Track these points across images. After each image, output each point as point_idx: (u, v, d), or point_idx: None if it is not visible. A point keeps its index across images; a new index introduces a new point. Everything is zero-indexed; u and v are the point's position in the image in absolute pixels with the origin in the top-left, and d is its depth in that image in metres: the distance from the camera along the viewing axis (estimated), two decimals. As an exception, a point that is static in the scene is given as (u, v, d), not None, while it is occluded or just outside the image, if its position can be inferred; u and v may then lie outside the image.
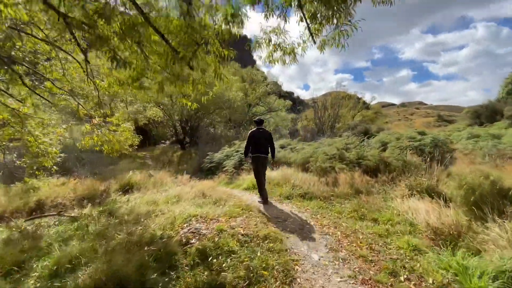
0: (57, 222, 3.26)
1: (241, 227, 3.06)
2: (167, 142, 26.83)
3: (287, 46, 3.44)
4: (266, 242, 2.77)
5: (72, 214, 3.49)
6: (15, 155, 6.94)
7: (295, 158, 7.73)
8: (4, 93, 5.16)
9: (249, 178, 7.10)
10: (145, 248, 2.41)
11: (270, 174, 6.83)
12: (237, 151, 9.77)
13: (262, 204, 4.73)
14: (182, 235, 2.73)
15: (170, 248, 2.43)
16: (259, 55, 3.59)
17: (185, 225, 3.03)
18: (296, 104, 48.57)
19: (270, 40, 3.37)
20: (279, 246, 2.71)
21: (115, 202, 4.11)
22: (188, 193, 4.66)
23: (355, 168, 6.32)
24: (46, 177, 6.69)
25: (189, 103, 5.16)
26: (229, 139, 14.76)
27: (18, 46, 4.52)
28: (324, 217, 4.05)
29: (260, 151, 4.88)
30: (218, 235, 2.77)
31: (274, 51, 3.43)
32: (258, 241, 2.76)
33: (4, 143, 6.40)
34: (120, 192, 4.85)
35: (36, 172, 5.99)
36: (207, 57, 2.96)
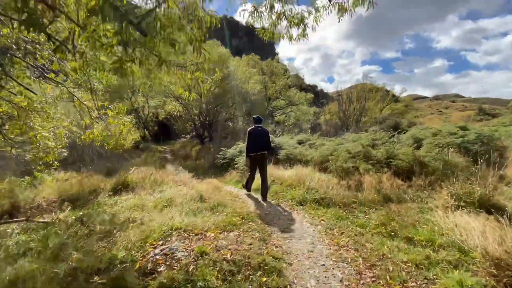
0: (22, 230, 2.83)
1: (230, 249, 2.38)
2: (188, 136, 26.87)
3: (295, 16, 2.64)
4: (259, 274, 2.07)
5: (43, 220, 3.06)
6: (26, 149, 6.87)
7: (313, 155, 6.88)
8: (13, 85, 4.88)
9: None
10: (95, 278, 1.82)
11: (283, 173, 6.08)
12: (251, 147, 9.11)
13: (255, 200, 4.89)
14: (151, 259, 2.12)
15: (125, 279, 1.82)
16: (260, 29, 2.82)
17: (160, 242, 2.43)
18: (319, 98, 46.79)
19: (272, 7, 2.59)
20: (275, 281, 1.99)
21: (99, 205, 3.65)
22: (185, 196, 4.08)
23: (383, 169, 5.35)
24: (51, 172, 6.52)
25: (187, 93, 4.57)
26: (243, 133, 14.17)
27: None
28: (343, 232, 3.24)
29: (258, 148, 5.01)
30: (196, 260, 2.13)
31: (278, 21, 2.64)
32: (248, 272, 2.06)
33: (12, 137, 6.29)
34: (111, 193, 4.40)
35: (39, 167, 5.77)
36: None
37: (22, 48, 4.52)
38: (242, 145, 9.68)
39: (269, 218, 3.77)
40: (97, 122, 5.53)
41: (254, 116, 5.32)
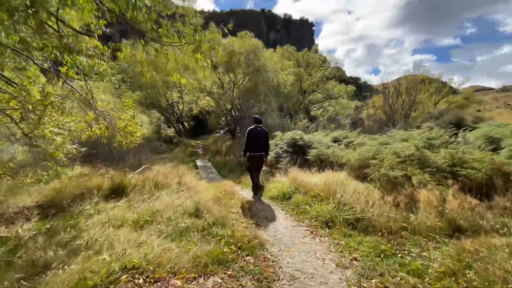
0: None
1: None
2: (221, 131, 26.78)
3: None
4: None
5: (1, 234, 2.53)
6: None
7: (349, 157, 5.61)
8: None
9: (283, 182, 5.38)
10: None
11: (310, 179, 4.97)
12: (277, 145, 8.05)
13: (256, 201, 4.72)
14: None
15: None
16: None
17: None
18: (362, 90, 43.23)
19: None
20: None
21: (75, 215, 3.04)
22: (178, 207, 3.29)
23: (446, 181, 3.93)
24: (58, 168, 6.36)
25: (183, 80, 3.77)
26: (276, 130, 13.05)
27: None
28: (387, 286, 2.10)
29: (257, 149, 4.88)
30: None
31: None
32: None
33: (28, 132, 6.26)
34: (100, 198, 3.81)
35: (49, 164, 5.56)
36: None
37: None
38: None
39: (278, 247, 2.76)
40: (102, 117, 5.08)
41: (255, 116, 5.17)
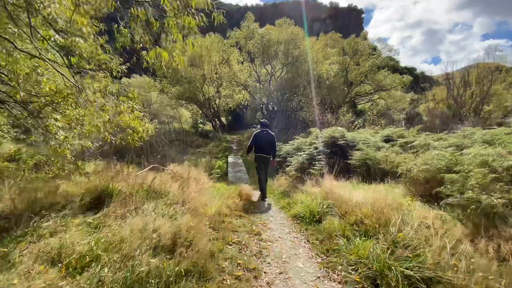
0: None
1: None
2: (258, 126, 25.91)
3: None
4: None
5: None
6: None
7: (408, 166, 4.06)
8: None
9: (314, 194, 4.11)
10: None
11: (350, 194, 3.61)
12: (311, 144, 6.71)
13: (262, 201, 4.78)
14: None
15: None
16: None
17: None
18: (419, 82, 37.99)
19: None
20: None
21: (12, 239, 2.31)
22: (154, 234, 2.34)
23: None
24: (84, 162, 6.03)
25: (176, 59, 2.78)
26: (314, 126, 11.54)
27: None
28: None
29: (263, 152, 4.98)
30: None
31: None
32: None
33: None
34: (67, 211, 3.07)
35: (55, 161, 5.20)
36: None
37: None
38: (300, 141, 7.40)
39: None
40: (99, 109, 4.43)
41: (261, 121, 5.49)
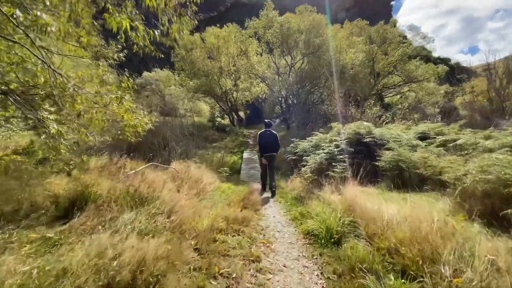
0: None
1: None
2: (277, 120, 25.06)
3: None
4: None
5: None
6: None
7: (457, 173, 3.15)
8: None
9: (332, 203, 3.35)
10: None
11: (379, 208, 2.80)
12: (332, 141, 5.86)
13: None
14: None
15: None
16: None
17: None
18: (454, 73, 34.73)
19: None
20: None
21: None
22: (111, 261, 1.77)
23: None
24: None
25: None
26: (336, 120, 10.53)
27: None
28: None
29: (267, 150, 5.54)
30: None
31: None
32: None
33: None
34: (26, 222, 2.59)
35: (51, 157, 4.87)
36: None
37: None
38: (319, 137, 6.58)
39: None
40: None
41: (265, 120, 5.96)
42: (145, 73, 30.23)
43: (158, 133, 11.27)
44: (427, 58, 27.79)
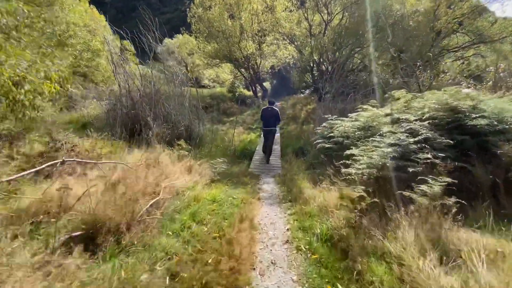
0: None
1: None
2: (307, 91, 21.88)
3: None
4: None
5: None
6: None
7: None
8: None
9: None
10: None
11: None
12: (397, 121, 3.33)
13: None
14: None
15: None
16: None
17: None
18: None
19: None
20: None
21: None
22: None
23: None
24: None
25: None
26: (390, 89, 7.49)
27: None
28: None
29: (266, 125, 6.29)
30: None
31: None
32: None
33: None
34: None
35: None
36: None
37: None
38: (372, 112, 4.04)
39: None
40: None
41: (270, 100, 6.96)
42: (166, 40, 28.00)
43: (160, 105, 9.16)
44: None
